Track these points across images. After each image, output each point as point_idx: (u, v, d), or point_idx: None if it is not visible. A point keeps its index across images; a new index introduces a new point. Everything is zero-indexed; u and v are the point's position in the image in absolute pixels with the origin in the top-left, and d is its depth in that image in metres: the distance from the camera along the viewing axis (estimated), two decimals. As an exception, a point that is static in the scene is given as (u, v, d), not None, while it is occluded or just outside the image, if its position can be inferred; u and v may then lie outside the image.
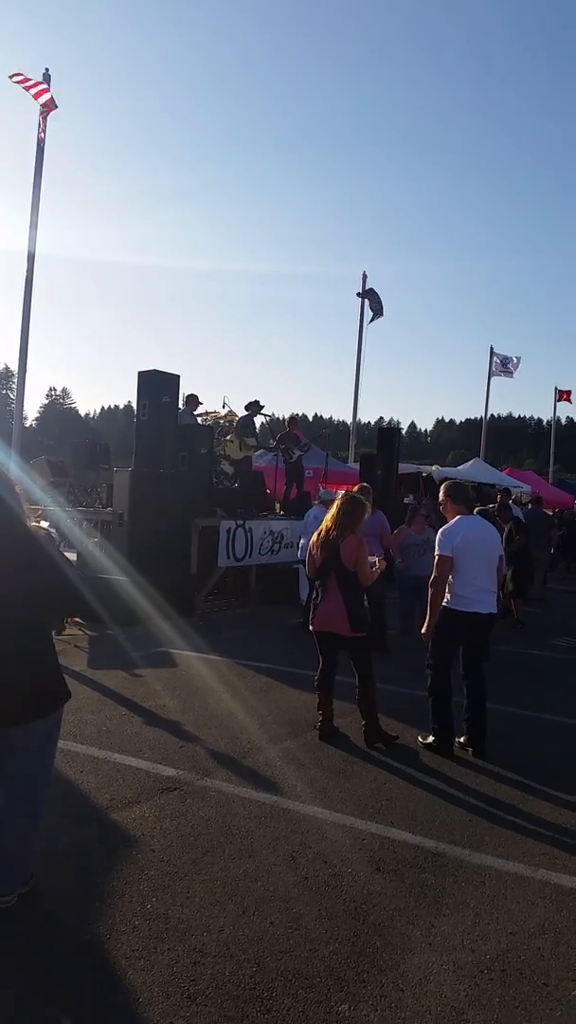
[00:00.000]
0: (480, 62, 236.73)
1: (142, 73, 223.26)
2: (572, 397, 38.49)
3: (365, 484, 8.92)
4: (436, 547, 5.50)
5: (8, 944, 2.96)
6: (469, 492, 5.87)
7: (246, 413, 13.46)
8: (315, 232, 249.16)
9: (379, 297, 25.31)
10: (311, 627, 5.80)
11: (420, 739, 5.56)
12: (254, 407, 13.39)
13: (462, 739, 5.50)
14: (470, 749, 5.44)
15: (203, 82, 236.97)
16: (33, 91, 14.69)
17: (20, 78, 14.57)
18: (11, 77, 14.59)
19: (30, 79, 14.71)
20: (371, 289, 25.31)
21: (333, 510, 5.79)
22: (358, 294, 25.36)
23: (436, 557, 5.46)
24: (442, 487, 5.90)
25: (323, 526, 5.79)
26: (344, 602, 5.54)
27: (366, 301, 25.44)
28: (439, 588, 5.42)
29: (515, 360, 32.33)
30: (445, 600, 5.45)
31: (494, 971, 2.96)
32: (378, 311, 25.34)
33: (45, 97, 14.75)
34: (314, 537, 5.87)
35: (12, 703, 2.99)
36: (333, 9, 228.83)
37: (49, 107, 14.83)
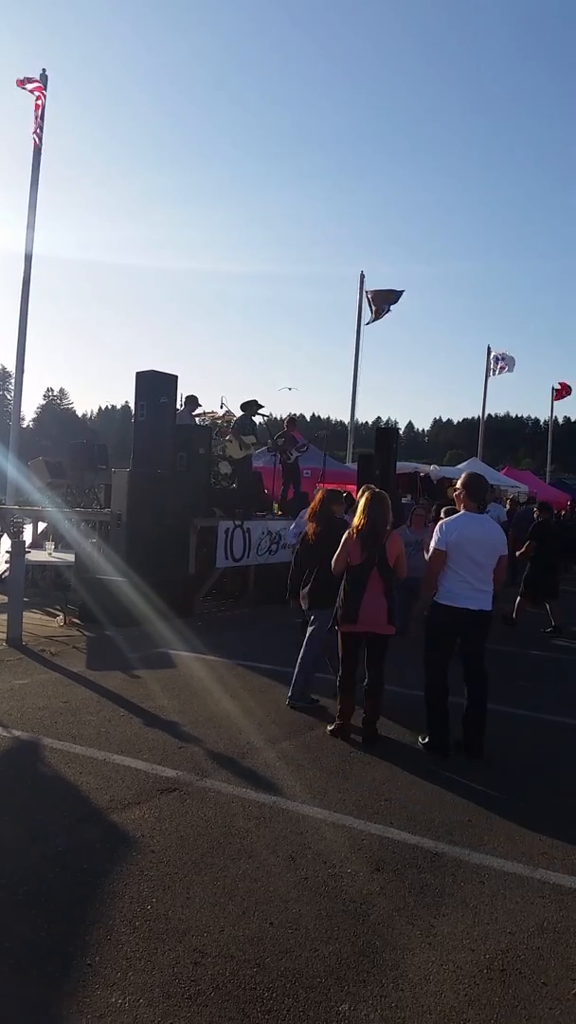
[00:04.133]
0: (477, 62, 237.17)
1: (139, 74, 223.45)
2: (572, 389, 38.38)
3: (371, 486, 8.93)
4: (432, 539, 5.53)
5: (8, 945, 2.96)
6: (485, 489, 5.73)
7: (243, 413, 13.47)
8: (312, 233, 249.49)
9: (390, 293, 25.21)
10: (346, 628, 5.69)
11: (420, 739, 5.57)
12: (251, 406, 13.39)
13: (461, 739, 5.51)
14: (467, 749, 5.44)
15: (200, 83, 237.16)
16: (32, 89, 14.85)
17: (32, 85, 14.79)
18: (19, 83, 14.75)
19: (32, 81, 14.87)
20: (378, 290, 25.27)
21: (366, 507, 5.68)
22: (366, 292, 25.32)
23: (431, 549, 5.51)
24: (462, 476, 5.76)
25: (362, 523, 5.66)
26: (387, 599, 5.62)
27: (364, 301, 25.42)
28: (429, 580, 5.53)
29: (504, 357, 32.23)
30: (435, 594, 5.49)
31: (493, 971, 2.97)
32: (383, 308, 25.24)
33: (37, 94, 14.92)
34: (349, 534, 5.76)
35: (315, 601, 6.27)
36: (331, 10, 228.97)
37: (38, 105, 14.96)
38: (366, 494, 5.86)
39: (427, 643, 5.57)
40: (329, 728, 5.72)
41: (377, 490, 5.98)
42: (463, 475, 5.81)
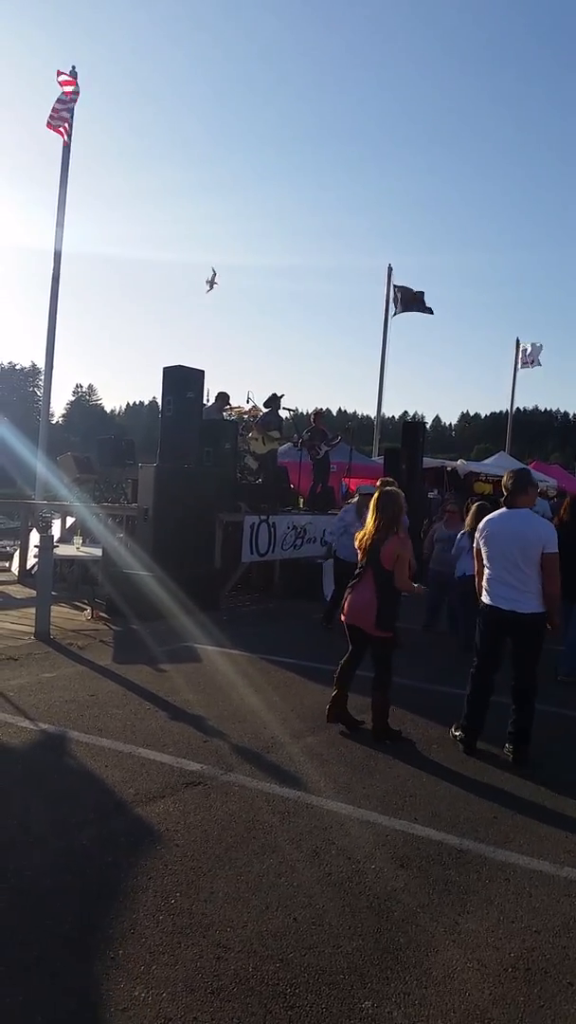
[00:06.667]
0: (498, 55, 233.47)
1: (161, 68, 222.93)
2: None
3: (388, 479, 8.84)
4: None
5: (33, 938, 2.99)
6: (524, 483, 5.39)
7: (266, 409, 13.46)
8: (336, 226, 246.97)
9: (413, 293, 25.30)
10: (342, 616, 5.80)
11: (452, 731, 5.53)
12: (274, 401, 13.39)
13: (507, 747, 5.28)
14: (511, 756, 5.22)
15: (222, 77, 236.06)
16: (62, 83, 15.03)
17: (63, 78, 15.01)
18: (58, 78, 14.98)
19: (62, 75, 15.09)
20: (404, 287, 25.33)
21: (372, 513, 5.66)
22: (393, 286, 25.38)
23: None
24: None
25: (366, 528, 5.67)
26: (377, 599, 5.50)
27: (392, 294, 25.36)
28: (475, 578, 5.61)
29: (532, 347, 31.89)
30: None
31: (518, 970, 2.94)
32: (409, 306, 25.32)
33: (69, 88, 15.07)
34: (359, 535, 5.79)
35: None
36: (353, 3, 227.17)
37: (69, 97, 15.10)
38: (377, 491, 5.80)
39: (476, 640, 5.56)
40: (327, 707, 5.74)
41: (389, 487, 5.82)
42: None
